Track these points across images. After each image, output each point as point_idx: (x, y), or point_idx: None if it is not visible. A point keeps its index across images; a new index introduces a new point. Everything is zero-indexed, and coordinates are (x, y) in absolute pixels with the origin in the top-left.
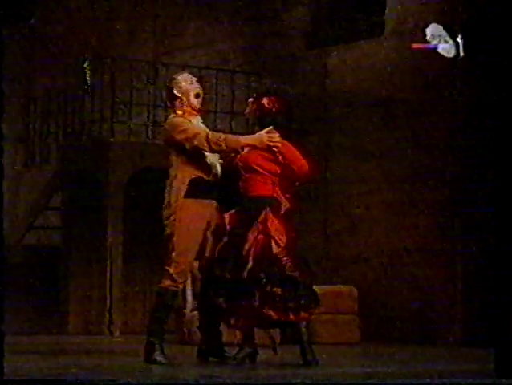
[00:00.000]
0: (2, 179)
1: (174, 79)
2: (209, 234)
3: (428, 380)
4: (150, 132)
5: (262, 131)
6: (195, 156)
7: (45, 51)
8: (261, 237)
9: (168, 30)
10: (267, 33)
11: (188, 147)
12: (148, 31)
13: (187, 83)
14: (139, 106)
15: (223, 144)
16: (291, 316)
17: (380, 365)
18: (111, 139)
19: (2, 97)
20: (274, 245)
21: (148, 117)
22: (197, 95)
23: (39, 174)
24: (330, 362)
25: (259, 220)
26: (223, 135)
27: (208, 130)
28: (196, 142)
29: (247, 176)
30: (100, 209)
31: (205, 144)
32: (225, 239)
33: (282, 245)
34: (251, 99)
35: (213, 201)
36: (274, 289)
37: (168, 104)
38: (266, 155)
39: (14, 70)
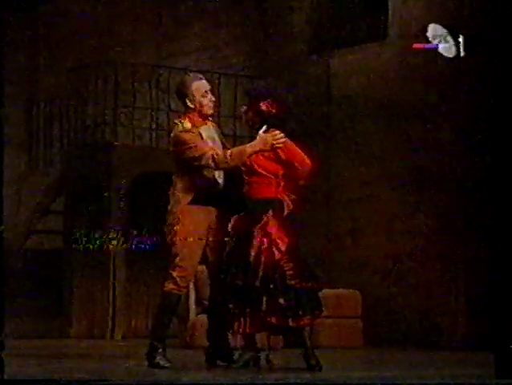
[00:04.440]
0: (1, 182)
1: (187, 87)
2: (211, 239)
3: (431, 384)
4: (153, 136)
5: (261, 133)
6: (199, 169)
7: (48, 55)
8: (265, 242)
9: (170, 34)
10: (270, 36)
11: (194, 165)
12: (150, 35)
13: (200, 96)
14: (142, 110)
15: (229, 161)
16: (291, 322)
17: (383, 369)
18: (115, 143)
19: (3, 101)
20: (275, 250)
21: (150, 121)
22: (209, 105)
23: (42, 178)
24: (333, 367)
25: (261, 224)
26: (228, 152)
27: (215, 147)
28: (203, 162)
29: (251, 179)
30: (103, 213)
31: (212, 165)
32: (232, 244)
33: (283, 250)
34: (244, 108)
35: (214, 208)
36: (276, 297)
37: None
38: (267, 155)
39: (18, 74)
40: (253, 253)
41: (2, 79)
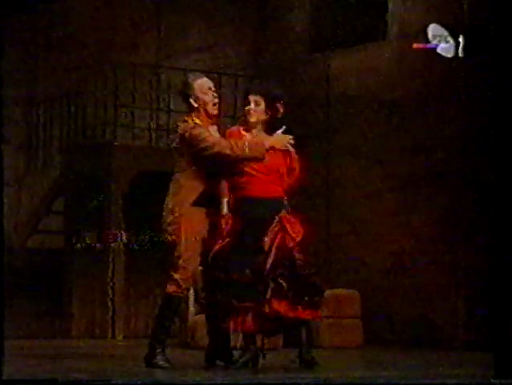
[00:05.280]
0: (1, 182)
1: (190, 86)
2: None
3: (431, 384)
4: (153, 136)
5: (279, 132)
6: (206, 168)
7: (48, 55)
8: (279, 232)
9: (170, 34)
10: (270, 37)
11: (208, 154)
12: (150, 35)
13: (203, 93)
14: (142, 110)
15: (247, 150)
16: (294, 313)
17: (383, 369)
18: (114, 144)
19: (2, 101)
20: (289, 239)
21: (150, 121)
22: (214, 104)
23: (42, 178)
24: (332, 366)
25: (279, 216)
26: (246, 142)
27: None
28: (216, 149)
29: (261, 178)
30: (103, 213)
31: (228, 151)
32: (230, 241)
33: (297, 240)
34: (259, 107)
35: (212, 210)
36: (284, 284)
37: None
38: (282, 156)
39: (17, 75)
40: (266, 239)
41: (2, 79)
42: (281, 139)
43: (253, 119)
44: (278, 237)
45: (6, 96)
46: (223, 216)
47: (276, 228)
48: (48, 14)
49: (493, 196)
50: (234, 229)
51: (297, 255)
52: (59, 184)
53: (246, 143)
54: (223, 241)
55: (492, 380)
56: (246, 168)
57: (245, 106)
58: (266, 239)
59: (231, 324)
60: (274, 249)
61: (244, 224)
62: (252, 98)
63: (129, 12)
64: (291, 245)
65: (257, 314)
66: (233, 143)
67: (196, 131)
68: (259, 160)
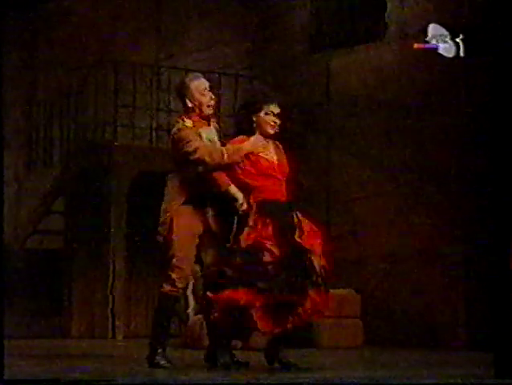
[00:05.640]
0: (2, 182)
1: (186, 86)
2: (206, 240)
3: (431, 384)
4: (153, 136)
5: (255, 136)
6: (194, 165)
7: (48, 55)
8: (307, 238)
9: (170, 34)
10: (270, 37)
11: (190, 158)
12: (150, 35)
13: (200, 94)
14: (142, 110)
15: (225, 157)
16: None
17: (383, 369)
18: (115, 143)
19: (2, 101)
20: (319, 242)
21: (151, 121)
22: (209, 105)
23: (42, 178)
24: (332, 366)
25: (297, 218)
26: (225, 149)
27: (213, 144)
28: (196, 156)
29: (278, 179)
30: (103, 213)
31: (207, 159)
32: (278, 242)
33: (319, 249)
34: (278, 121)
35: (209, 209)
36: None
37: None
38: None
39: (17, 75)
40: (300, 242)
41: (2, 79)
42: (256, 142)
43: (272, 132)
44: (307, 241)
45: (6, 96)
46: (242, 204)
47: (299, 230)
48: (48, 14)
49: (493, 195)
50: (266, 231)
51: (323, 261)
52: (59, 184)
53: (224, 151)
54: (267, 241)
55: (493, 380)
56: (267, 170)
57: (259, 113)
58: (299, 242)
59: (264, 324)
60: (309, 253)
61: (275, 228)
62: (276, 110)
63: (129, 12)
64: (325, 248)
65: (296, 312)
66: (211, 150)
67: (181, 134)
68: (238, 164)
